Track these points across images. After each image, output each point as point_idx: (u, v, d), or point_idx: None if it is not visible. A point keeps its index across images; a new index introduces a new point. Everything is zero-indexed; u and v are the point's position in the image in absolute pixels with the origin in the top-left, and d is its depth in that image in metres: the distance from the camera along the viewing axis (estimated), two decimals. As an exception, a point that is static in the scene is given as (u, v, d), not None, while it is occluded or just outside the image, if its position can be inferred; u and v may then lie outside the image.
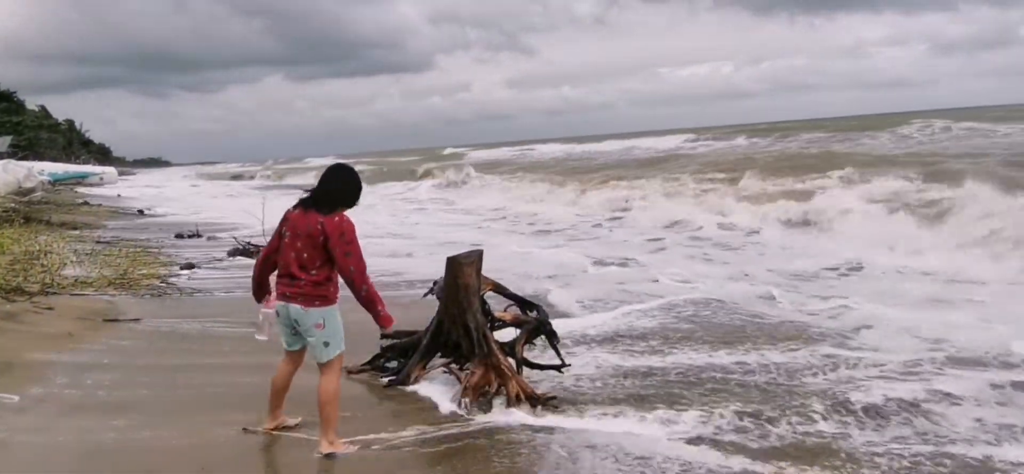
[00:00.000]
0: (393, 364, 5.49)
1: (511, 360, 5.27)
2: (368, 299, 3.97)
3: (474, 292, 5.35)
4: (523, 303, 5.92)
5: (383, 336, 5.69)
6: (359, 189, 4.11)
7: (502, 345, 5.37)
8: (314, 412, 4.11)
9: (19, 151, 54.71)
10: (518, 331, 5.60)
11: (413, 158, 59.43)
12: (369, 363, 5.55)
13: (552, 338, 5.70)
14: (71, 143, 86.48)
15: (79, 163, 62.10)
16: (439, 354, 5.38)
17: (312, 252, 3.93)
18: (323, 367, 4.06)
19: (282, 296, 4.04)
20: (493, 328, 5.49)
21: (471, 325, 5.23)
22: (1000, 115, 39.27)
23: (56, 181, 38.40)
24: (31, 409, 4.65)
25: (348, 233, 3.92)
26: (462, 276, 5.29)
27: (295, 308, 3.99)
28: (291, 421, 4.36)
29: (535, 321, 5.67)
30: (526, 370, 5.30)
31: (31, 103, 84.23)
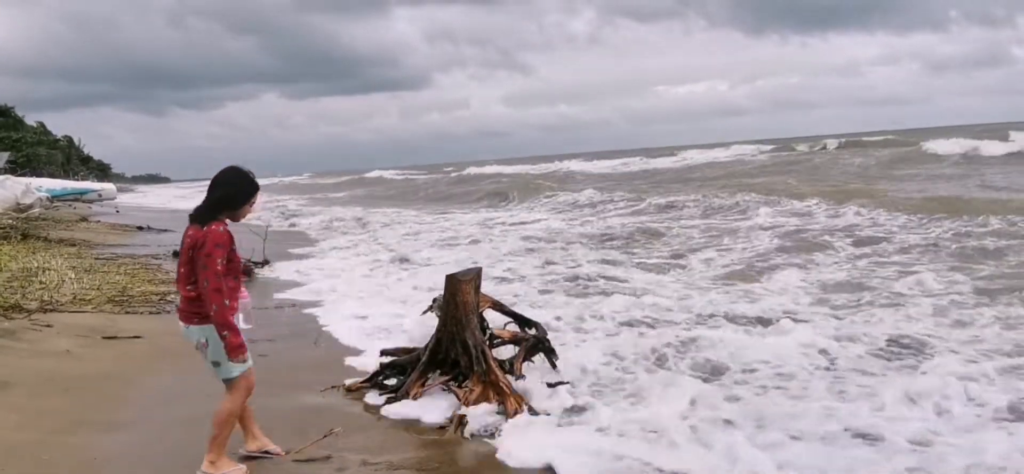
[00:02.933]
0: (392, 382, 5.48)
1: (510, 377, 5.29)
2: (217, 321, 3.63)
3: (472, 309, 5.37)
4: (522, 320, 5.94)
5: (383, 353, 5.71)
6: (246, 191, 3.84)
7: (501, 362, 5.38)
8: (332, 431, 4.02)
9: (17, 167, 54.76)
10: (517, 348, 5.63)
11: (430, 175, 57.14)
12: (368, 380, 5.55)
13: (550, 355, 5.72)
14: (70, 159, 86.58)
15: (78, 179, 62.14)
16: (438, 371, 5.38)
17: (188, 267, 3.73)
18: (226, 385, 3.86)
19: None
20: (492, 345, 5.51)
21: (470, 342, 5.25)
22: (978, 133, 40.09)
23: (54, 197, 38.40)
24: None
25: (209, 244, 3.63)
26: (460, 293, 5.32)
27: (182, 327, 3.82)
28: (273, 447, 4.21)
29: (533, 338, 5.70)
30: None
31: (29, 119, 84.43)
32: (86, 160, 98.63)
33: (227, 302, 3.66)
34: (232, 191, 3.81)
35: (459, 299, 5.32)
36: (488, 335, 5.53)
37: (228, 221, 3.81)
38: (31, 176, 45.61)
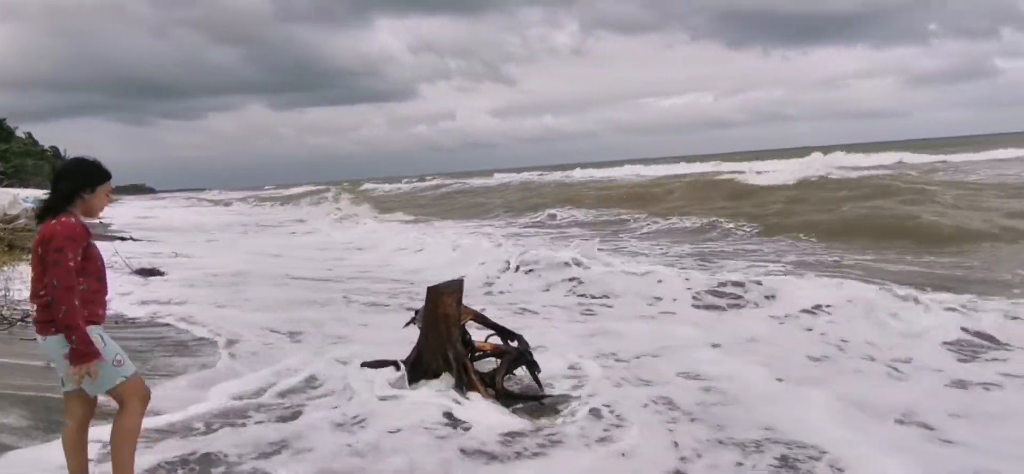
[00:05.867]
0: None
1: (492, 390, 5.32)
2: (64, 322, 3.13)
3: (454, 322, 5.41)
4: (504, 333, 5.98)
5: (363, 365, 5.73)
6: (96, 178, 3.39)
7: (482, 375, 5.42)
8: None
9: (5, 178, 54.37)
10: (499, 361, 5.66)
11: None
12: (349, 392, 5.56)
13: (532, 368, 5.75)
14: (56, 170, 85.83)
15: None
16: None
17: (38, 269, 3.25)
18: (115, 398, 3.36)
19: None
20: (473, 358, 5.55)
21: (450, 354, 5.29)
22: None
23: (41, 208, 37.99)
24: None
25: (58, 238, 3.17)
26: (441, 306, 5.36)
27: (39, 340, 3.31)
28: None
29: (515, 351, 5.73)
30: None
31: (18, 131, 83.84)
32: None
33: (77, 303, 3.16)
34: (81, 179, 3.35)
35: (440, 311, 5.37)
36: (470, 348, 5.56)
37: (82, 217, 3.37)
38: (19, 187, 45.30)
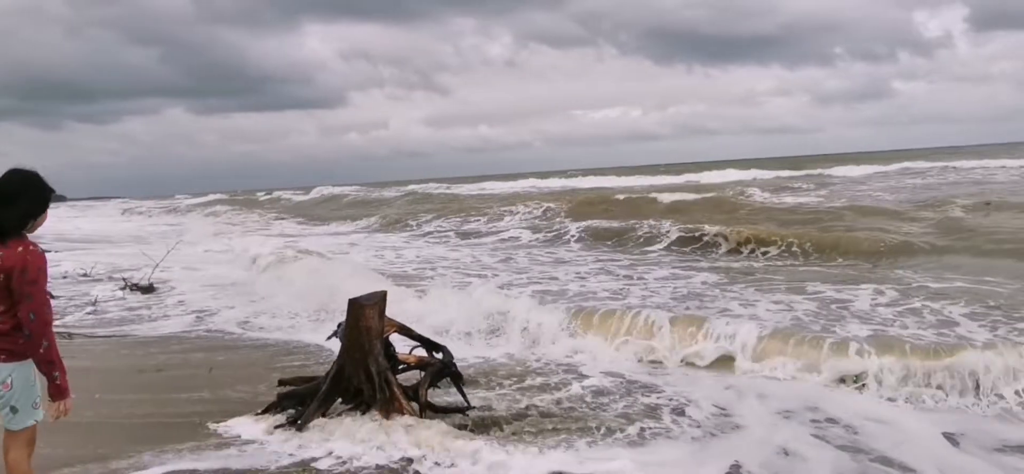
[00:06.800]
0: (291, 413, 5.25)
1: (415, 404, 5.16)
2: (47, 358, 3.12)
3: (376, 335, 5.22)
4: (429, 345, 5.82)
5: (280, 383, 5.47)
6: (46, 200, 3.23)
7: (405, 389, 5.25)
8: None
9: None
10: (423, 373, 5.50)
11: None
12: (264, 412, 5.29)
13: (457, 380, 5.62)
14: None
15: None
16: (340, 400, 5.20)
17: None
18: (8, 437, 3.24)
19: None
20: (397, 371, 5.37)
21: (373, 369, 5.10)
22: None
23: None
24: None
25: (32, 270, 3.07)
26: (364, 318, 5.16)
27: None
28: None
29: (439, 363, 5.58)
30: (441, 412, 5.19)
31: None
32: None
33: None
34: (37, 204, 3.20)
35: (362, 324, 5.17)
36: (393, 361, 5.39)
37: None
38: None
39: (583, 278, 11.62)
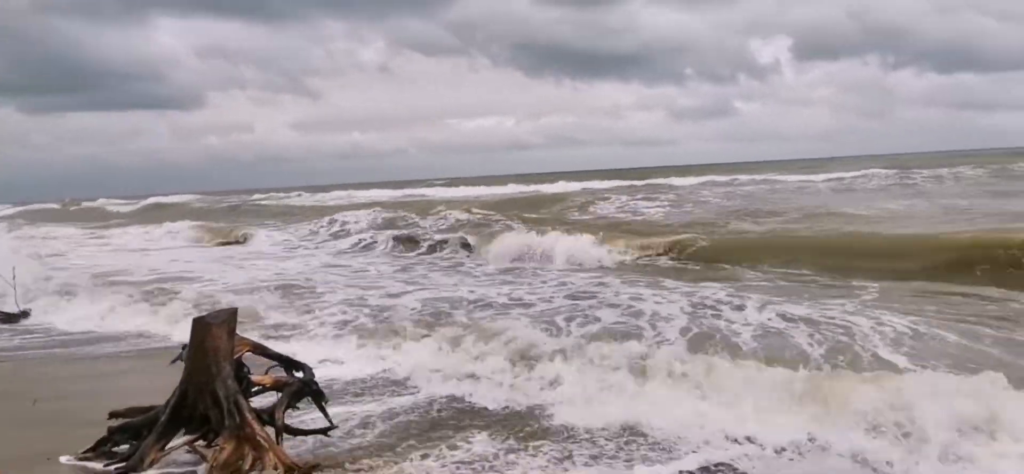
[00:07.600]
0: (124, 448, 4.68)
1: (270, 428, 4.75)
2: None
3: (225, 355, 4.76)
4: (288, 363, 5.40)
5: (111, 415, 4.87)
6: None
7: (259, 412, 4.82)
8: None
9: None
10: (279, 395, 5.09)
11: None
12: (92, 449, 4.68)
13: (318, 398, 5.24)
14: None
15: None
16: (183, 430, 4.69)
17: None
18: None
19: None
20: (249, 394, 4.93)
21: (221, 393, 4.64)
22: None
23: None
24: None
25: None
26: (210, 338, 4.69)
27: None
28: None
29: (298, 383, 5.18)
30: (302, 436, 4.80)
31: None
32: None
33: None
34: None
35: (208, 345, 4.69)
36: (245, 383, 4.94)
37: None
38: None
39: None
